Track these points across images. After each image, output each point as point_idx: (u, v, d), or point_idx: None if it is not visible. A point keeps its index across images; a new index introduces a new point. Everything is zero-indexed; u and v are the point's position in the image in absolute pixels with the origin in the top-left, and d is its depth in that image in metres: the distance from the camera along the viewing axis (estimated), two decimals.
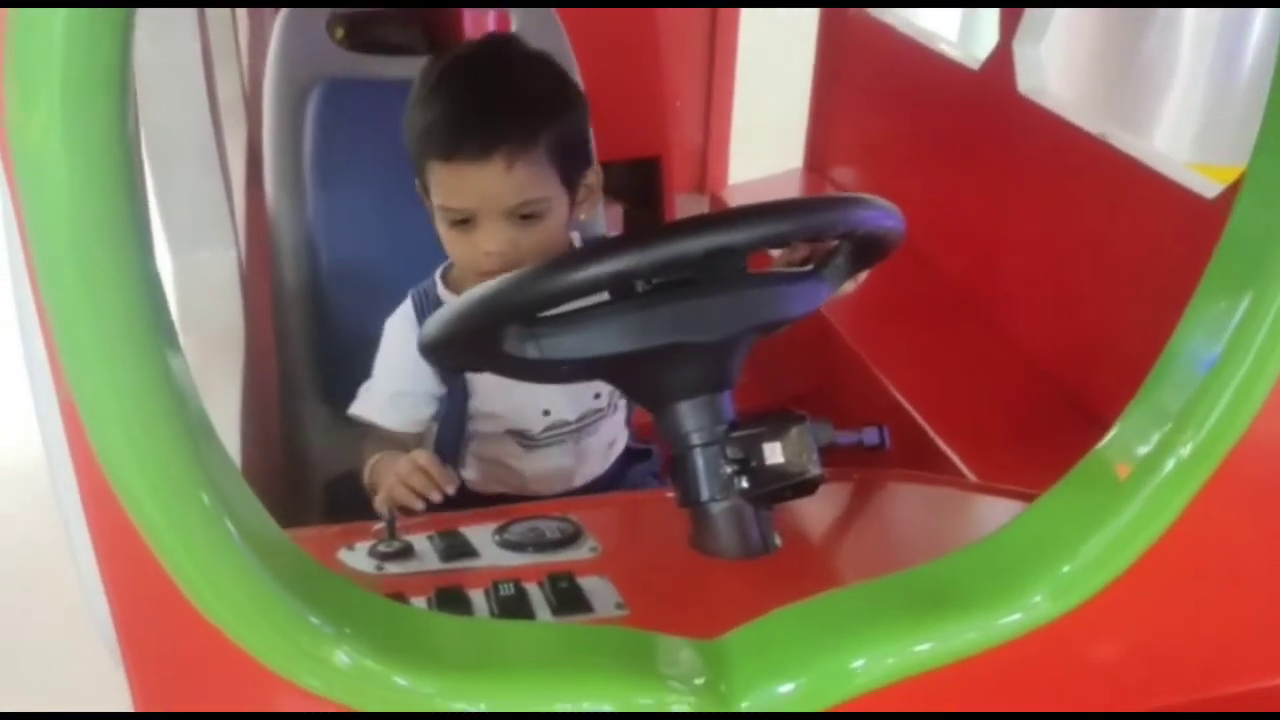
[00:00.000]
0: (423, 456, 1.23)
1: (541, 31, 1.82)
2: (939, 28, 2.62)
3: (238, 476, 0.79)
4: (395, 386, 1.42)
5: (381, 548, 1.09)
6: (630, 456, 1.55)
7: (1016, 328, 2.03)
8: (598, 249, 1.09)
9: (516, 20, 1.87)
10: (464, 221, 1.30)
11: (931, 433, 1.79)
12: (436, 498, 1.19)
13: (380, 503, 1.26)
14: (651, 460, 1.58)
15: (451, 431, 1.44)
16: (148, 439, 0.70)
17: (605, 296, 1.09)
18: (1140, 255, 1.79)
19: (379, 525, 1.11)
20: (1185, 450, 0.85)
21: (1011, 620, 0.86)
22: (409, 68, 1.81)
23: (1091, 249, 1.89)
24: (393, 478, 1.22)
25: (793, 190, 2.60)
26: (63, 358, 0.68)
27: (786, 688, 0.85)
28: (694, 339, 1.08)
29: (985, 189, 2.09)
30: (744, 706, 0.84)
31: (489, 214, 1.28)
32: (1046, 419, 1.88)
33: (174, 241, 1.77)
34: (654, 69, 2.62)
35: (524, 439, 1.45)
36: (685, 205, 2.73)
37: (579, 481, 1.49)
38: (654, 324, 1.07)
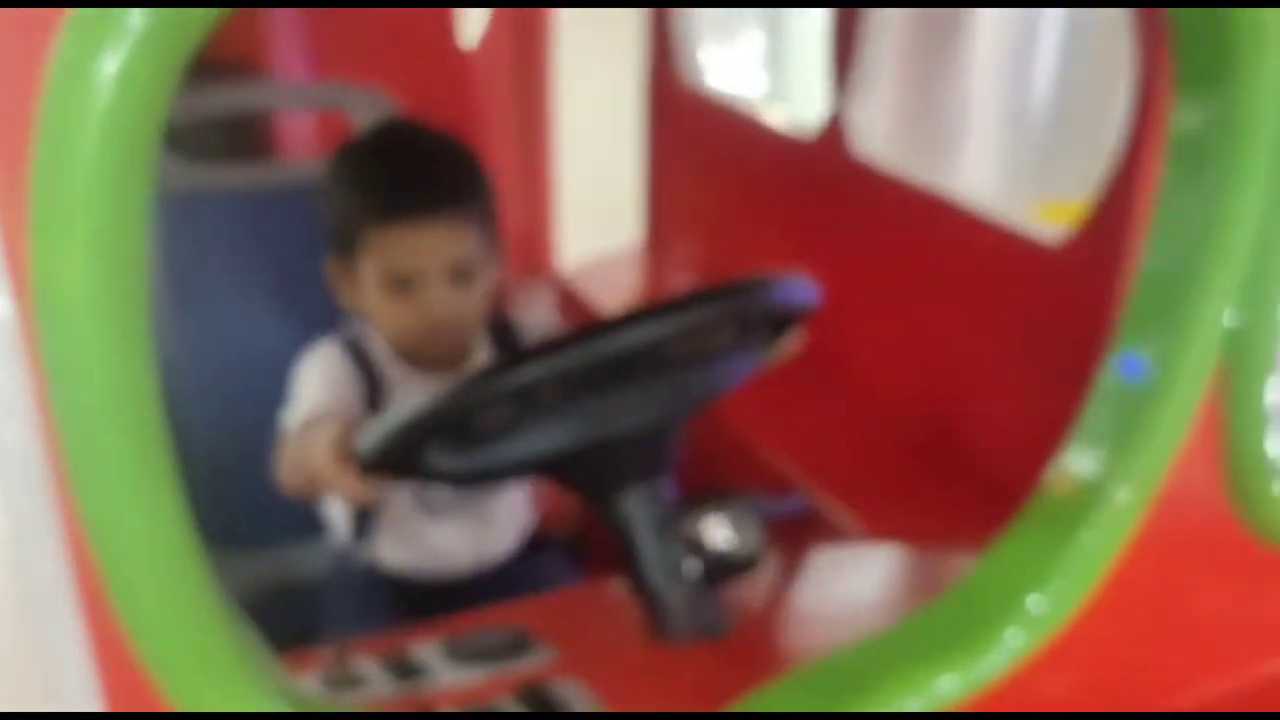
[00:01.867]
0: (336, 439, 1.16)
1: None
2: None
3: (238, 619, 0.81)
4: (324, 398, 1.39)
5: (331, 677, 1.10)
6: (533, 543, 1.60)
7: (880, 384, 2.17)
8: (516, 359, 1.14)
9: (358, 121, 1.89)
10: (402, 287, 1.36)
11: (812, 494, 1.89)
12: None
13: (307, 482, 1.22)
14: (551, 549, 1.62)
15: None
16: (171, 582, 0.73)
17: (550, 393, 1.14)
18: (991, 304, 1.96)
19: (323, 652, 1.12)
20: (1121, 494, 0.97)
21: (989, 661, 0.96)
22: (245, 176, 1.85)
23: (941, 301, 2.05)
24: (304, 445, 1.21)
25: (640, 269, 2.70)
26: (82, 504, 0.70)
27: None
28: (631, 429, 1.14)
29: (833, 254, 2.24)
30: None
31: (432, 274, 1.35)
32: (917, 465, 2.02)
33: None
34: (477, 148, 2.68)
35: (426, 506, 1.49)
36: (522, 290, 2.80)
37: (489, 554, 1.53)
38: (591, 417, 1.13)
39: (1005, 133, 3.89)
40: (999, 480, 1.05)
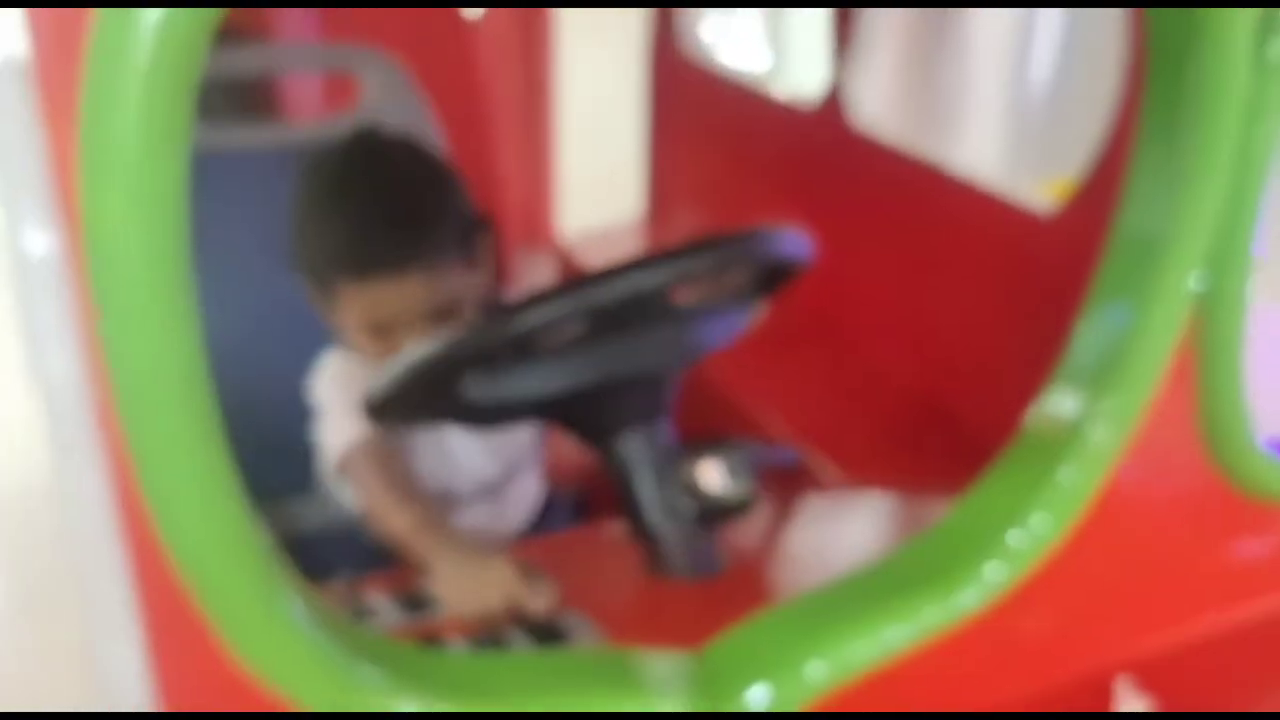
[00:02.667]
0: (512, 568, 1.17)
1: (395, 95, 1.91)
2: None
3: (266, 537, 0.87)
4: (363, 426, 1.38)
5: (343, 610, 1.17)
6: (546, 508, 1.66)
7: (872, 348, 2.23)
8: (548, 294, 1.19)
9: (366, 84, 1.94)
10: (383, 330, 1.37)
11: (804, 452, 1.96)
12: (543, 604, 1.15)
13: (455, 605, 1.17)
14: (559, 508, 1.69)
15: None
16: (204, 504, 0.79)
17: (555, 337, 1.20)
18: (983, 271, 2.02)
19: (334, 587, 1.19)
20: (1096, 441, 1.03)
21: (969, 594, 1.02)
22: (243, 139, 1.88)
23: (934, 268, 2.11)
24: (487, 589, 1.16)
25: (641, 239, 2.76)
26: (125, 427, 0.76)
27: (771, 686, 0.98)
28: (633, 371, 1.21)
29: (830, 222, 2.29)
30: (732, 707, 0.97)
31: (409, 318, 1.36)
32: (908, 427, 2.08)
33: None
34: (481, 120, 2.74)
35: (449, 499, 1.54)
36: (522, 262, 2.86)
37: (503, 532, 1.59)
38: (600, 359, 1.19)
39: (1010, 109, 3.95)
40: (988, 441, 1.11)
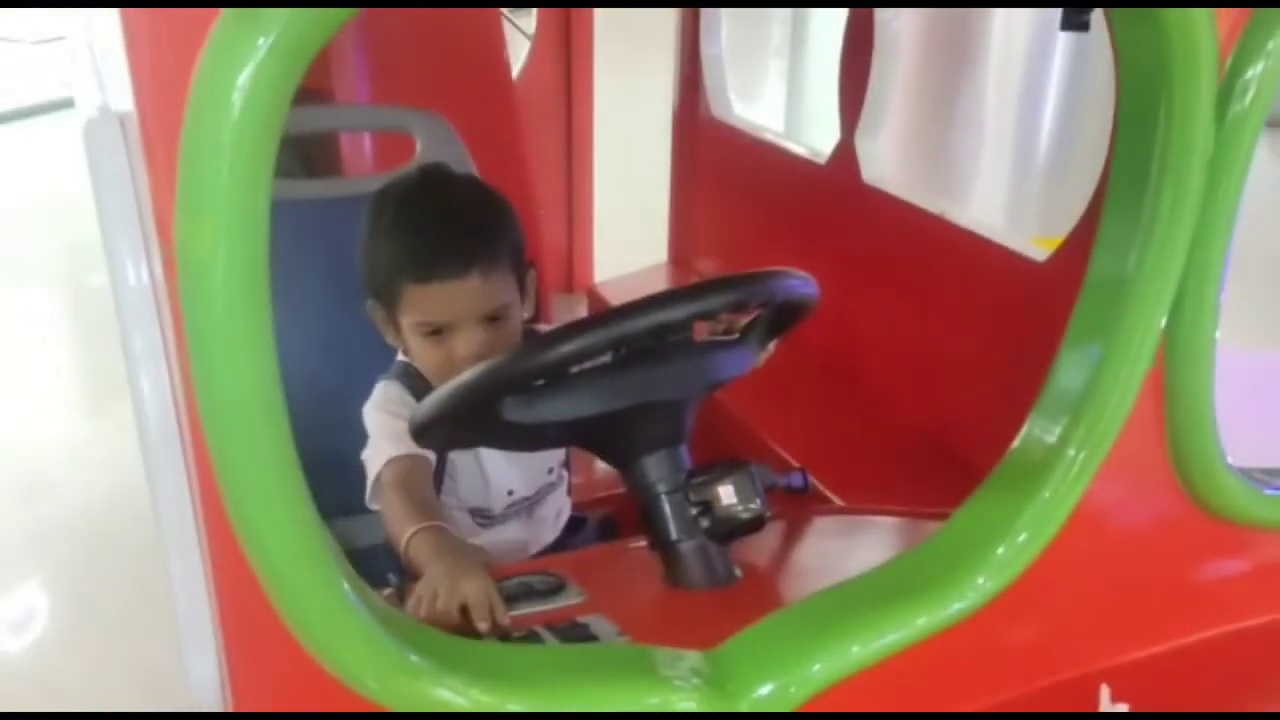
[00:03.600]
0: (486, 587, 1.20)
1: (446, 148, 2.00)
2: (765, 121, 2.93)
3: (332, 543, 0.94)
4: (404, 450, 1.44)
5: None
6: (571, 525, 1.72)
7: (881, 390, 2.29)
8: (582, 324, 1.27)
9: (420, 140, 2.03)
10: (437, 332, 1.45)
11: (817, 482, 2.01)
12: (484, 628, 1.16)
13: (424, 603, 1.20)
14: (587, 529, 1.75)
15: None
16: (284, 513, 0.86)
17: (581, 366, 1.27)
18: (983, 314, 2.08)
19: (388, 591, 1.25)
20: (1073, 457, 1.08)
21: (961, 603, 1.07)
22: (297, 190, 1.99)
23: (941, 313, 2.17)
24: (451, 585, 1.19)
25: (663, 283, 2.84)
26: (211, 443, 0.83)
27: (780, 681, 1.04)
28: (655, 399, 1.27)
29: (841, 270, 2.36)
30: (745, 705, 1.02)
31: (464, 322, 1.44)
32: (914, 464, 2.13)
33: None
34: (521, 174, 2.82)
35: (483, 517, 1.61)
36: (558, 304, 2.93)
37: (533, 549, 1.65)
38: (625, 387, 1.26)
39: (1015, 169, 4.01)
40: (986, 470, 1.16)
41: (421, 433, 1.31)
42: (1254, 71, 0.99)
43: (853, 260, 2.33)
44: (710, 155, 2.76)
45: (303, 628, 0.88)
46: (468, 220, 1.47)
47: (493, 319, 1.46)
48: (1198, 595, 1.21)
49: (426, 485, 1.46)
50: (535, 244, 2.91)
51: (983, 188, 3.97)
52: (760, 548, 1.38)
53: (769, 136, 2.59)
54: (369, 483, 1.49)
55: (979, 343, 2.09)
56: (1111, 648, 1.16)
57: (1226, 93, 1.01)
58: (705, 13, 2.68)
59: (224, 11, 0.77)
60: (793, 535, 1.46)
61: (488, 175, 2.55)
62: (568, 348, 1.21)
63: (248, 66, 0.77)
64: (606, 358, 1.28)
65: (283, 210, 1.95)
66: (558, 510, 1.70)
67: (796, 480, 1.46)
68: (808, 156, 2.47)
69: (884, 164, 2.31)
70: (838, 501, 1.97)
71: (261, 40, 0.77)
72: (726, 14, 2.79)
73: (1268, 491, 1.17)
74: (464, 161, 2.01)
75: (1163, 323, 1.08)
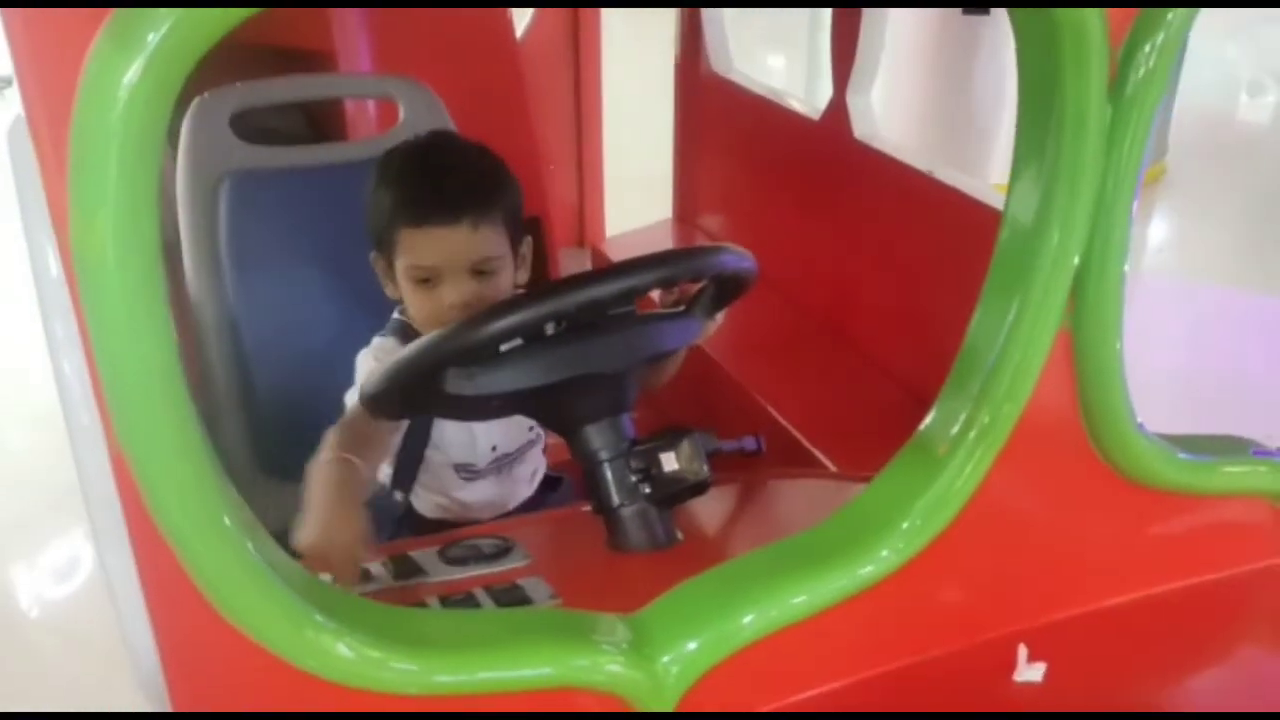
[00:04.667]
0: (349, 543, 1.24)
1: (429, 114, 2.03)
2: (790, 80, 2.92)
3: (249, 511, 0.98)
4: None
5: None
6: (547, 484, 1.77)
7: (870, 343, 2.30)
8: (520, 300, 1.30)
9: (403, 106, 2.07)
10: (428, 281, 1.50)
11: (805, 440, 2.04)
12: (325, 579, 1.15)
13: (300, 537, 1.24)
14: (563, 488, 1.80)
15: (409, 462, 1.64)
16: (187, 482, 0.90)
17: (520, 341, 1.31)
18: (970, 269, 2.07)
19: None
20: (984, 423, 1.10)
21: (866, 571, 1.10)
22: (303, 156, 2.04)
23: (928, 268, 2.17)
24: (317, 537, 1.22)
25: (666, 240, 2.86)
26: (115, 421, 0.88)
27: (696, 641, 1.07)
28: (595, 370, 1.30)
29: (833, 225, 2.38)
30: (665, 660, 1.06)
31: (454, 270, 1.49)
32: (903, 417, 2.14)
33: None
34: (526, 132, 2.84)
35: (468, 471, 1.66)
36: (567, 259, 2.97)
37: (511, 505, 1.70)
38: (564, 359, 1.29)
39: None
40: None
41: (372, 404, 1.36)
42: (1147, 49, 1.00)
43: (844, 215, 2.34)
44: (712, 114, 2.77)
45: (211, 587, 0.93)
46: (465, 175, 1.53)
47: (480, 272, 1.50)
48: (1114, 559, 1.22)
49: (376, 430, 1.48)
50: (544, 199, 2.97)
51: (1003, 151, 3.91)
52: (708, 512, 1.42)
53: (765, 93, 2.59)
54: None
55: (964, 296, 2.09)
56: (1028, 610, 1.18)
57: (1125, 66, 1.02)
58: None
59: (113, 12, 0.80)
60: (741, 500, 1.49)
61: (492, 133, 2.59)
62: (503, 323, 1.25)
63: (132, 66, 0.80)
64: (548, 329, 1.31)
65: (293, 177, 2.01)
66: (534, 469, 1.74)
67: (749, 444, 1.48)
68: (803, 112, 2.47)
69: (875, 120, 2.31)
70: (829, 464, 1.99)
71: (151, 35, 0.80)
72: None
73: (1181, 456, 1.18)
74: (447, 126, 2.04)
75: (1069, 283, 1.09)
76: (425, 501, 1.69)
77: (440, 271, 1.49)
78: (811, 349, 2.37)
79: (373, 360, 1.58)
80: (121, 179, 0.82)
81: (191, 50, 0.83)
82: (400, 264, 1.53)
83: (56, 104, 0.81)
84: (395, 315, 1.64)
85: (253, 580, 0.94)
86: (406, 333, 1.59)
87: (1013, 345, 1.09)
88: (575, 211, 3.18)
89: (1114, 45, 1.01)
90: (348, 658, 0.97)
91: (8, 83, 5.36)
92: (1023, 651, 1.15)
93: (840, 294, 2.38)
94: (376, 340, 1.62)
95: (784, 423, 2.12)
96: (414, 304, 1.54)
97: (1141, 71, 1.00)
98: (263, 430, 1.97)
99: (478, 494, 1.68)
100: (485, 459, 1.67)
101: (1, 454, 3.36)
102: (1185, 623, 1.22)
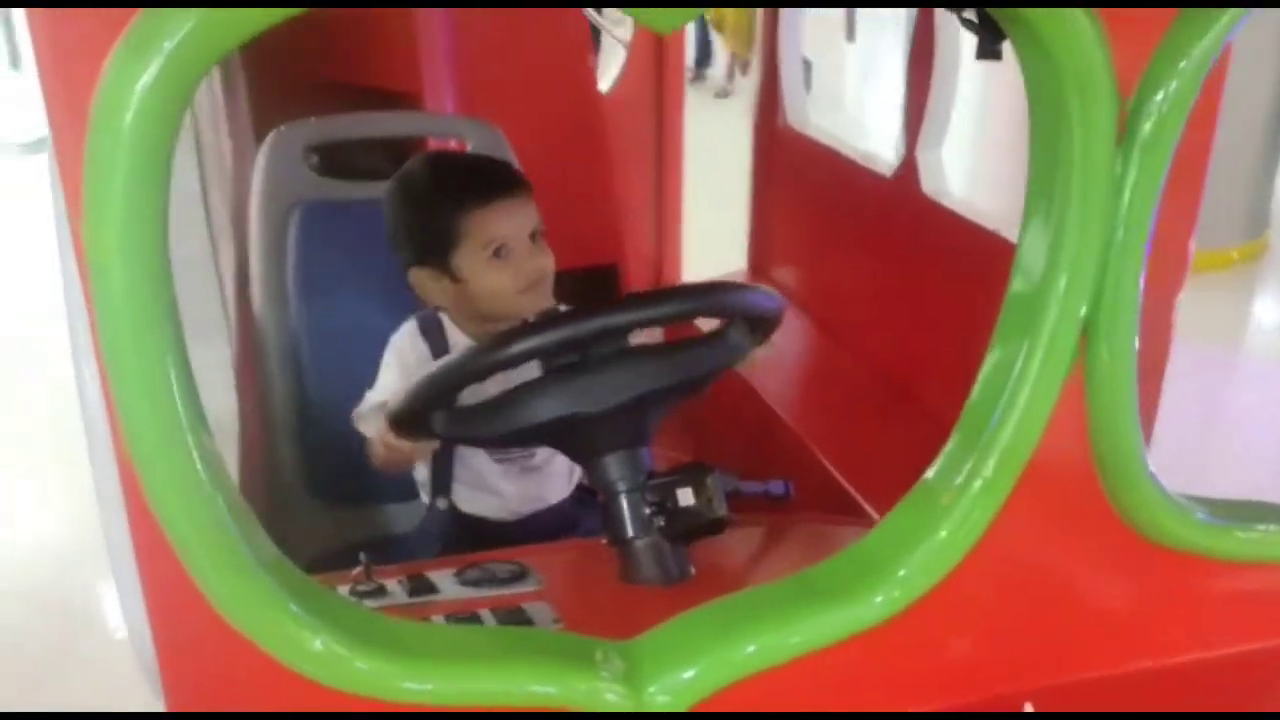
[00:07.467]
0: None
1: (497, 154, 2.08)
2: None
3: (254, 518, 1.01)
4: (397, 385, 1.59)
5: (360, 588, 1.31)
6: (583, 491, 1.78)
7: (932, 398, 2.27)
8: (511, 335, 1.32)
9: (472, 146, 2.13)
10: (498, 254, 1.61)
11: (854, 490, 2.01)
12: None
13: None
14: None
15: (445, 459, 1.70)
16: (189, 486, 0.93)
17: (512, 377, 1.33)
18: None
19: (357, 570, 1.33)
20: (988, 472, 1.08)
21: (860, 615, 1.08)
22: (372, 190, 2.10)
23: (989, 324, 2.14)
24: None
25: None
26: (123, 425, 0.91)
27: (688, 673, 1.07)
28: (596, 409, 1.31)
29: (900, 279, 2.36)
30: (652, 690, 1.06)
31: (520, 239, 1.62)
32: None
33: None
34: (605, 181, 2.89)
35: (500, 461, 1.71)
36: None
37: (552, 499, 1.75)
38: (584, 392, 1.30)
39: None
40: None
41: (399, 425, 1.39)
42: (1158, 98, 0.99)
43: (911, 268, 2.32)
44: (787, 168, 2.78)
45: (205, 581, 0.95)
46: (491, 161, 1.75)
47: (537, 239, 1.65)
48: (1127, 621, 1.18)
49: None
50: (621, 247, 3.01)
51: None
52: (726, 551, 1.41)
53: (840, 148, 2.59)
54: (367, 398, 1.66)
55: None
56: (1034, 668, 1.15)
57: (1135, 115, 1.01)
58: (783, 25, 2.69)
59: (133, 18, 0.84)
60: (764, 542, 1.48)
61: (572, 180, 2.64)
62: (518, 347, 1.27)
63: (147, 71, 0.84)
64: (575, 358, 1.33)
65: (362, 210, 2.08)
66: (571, 467, 1.76)
67: (776, 488, 1.48)
68: (875, 169, 2.47)
69: (944, 177, 2.29)
70: (875, 516, 1.96)
71: (166, 43, 0.83)
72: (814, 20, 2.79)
73: (1198, 517, 1.14)
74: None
75: (1077, 332, 1.07)
76: (466, 498, 1.74)
77: (509, 242, 1.61)
78: (871, 401, 2.35)
79: (394, 359, 1.68)
80: (130, 181, 0.86)
81: (205, 57, 0.86)
82: (467, 248, 1.62)
83: (76, 107, 0.86)
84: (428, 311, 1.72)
85: (251, 583, 0.96)
86: (433, 328, 1.69)
87: (1019, 394, 1.07)
88: (653, 262, 3.21)
89: (1124, 95, 1.00)
90: (319, 653, 0.98)
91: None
92: (1028, 708, 1.12)
93: (904, 347, 2.35)
94: (403, 328, 1.71)
95: (834, 472, 2.10)
96: (488, 282, 1.63)
97: (1153, 120, 0.99)
98: (316, 456, 2.02)
99: (515, 486, 1.72)
100: (521, 456, 1.71)
101: None
102: (1203, 699, 1.17)
